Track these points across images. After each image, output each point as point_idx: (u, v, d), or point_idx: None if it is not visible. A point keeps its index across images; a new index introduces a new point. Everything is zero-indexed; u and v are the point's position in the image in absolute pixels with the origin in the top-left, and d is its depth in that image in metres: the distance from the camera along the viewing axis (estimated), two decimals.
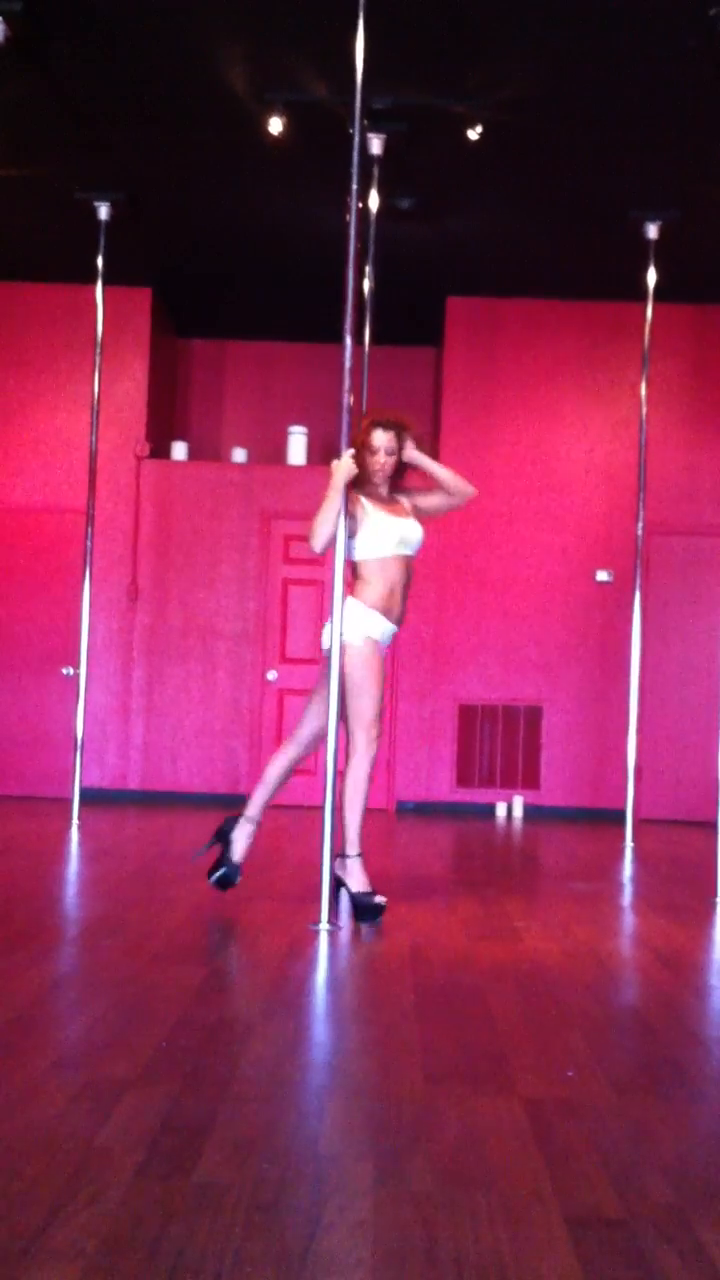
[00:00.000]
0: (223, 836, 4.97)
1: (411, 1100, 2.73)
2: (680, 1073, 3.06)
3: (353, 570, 4.99)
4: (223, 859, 4.92)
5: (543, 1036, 3.31)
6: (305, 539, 5.00)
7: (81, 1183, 2.19)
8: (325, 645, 4.89)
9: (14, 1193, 2.14)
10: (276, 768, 5.00)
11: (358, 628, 4.89)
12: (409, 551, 5.02)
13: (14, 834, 7.38)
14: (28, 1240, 1.96)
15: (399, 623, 5.01)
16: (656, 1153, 2.47)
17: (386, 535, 4.96)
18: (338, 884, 4.83)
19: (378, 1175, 2.27)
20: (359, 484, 4.96)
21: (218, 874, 4.87)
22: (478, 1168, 2.35)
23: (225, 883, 4.87)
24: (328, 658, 4.83)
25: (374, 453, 4.96)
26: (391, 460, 5.00)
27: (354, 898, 4.80)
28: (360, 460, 4.92)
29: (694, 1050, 3.28)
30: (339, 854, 4.84)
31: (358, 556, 4.95)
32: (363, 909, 4.78)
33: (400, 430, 5.00)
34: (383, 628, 4.94)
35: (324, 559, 9.05)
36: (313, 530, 4.79)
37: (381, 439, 4.96)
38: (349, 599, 4.92)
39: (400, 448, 5.00)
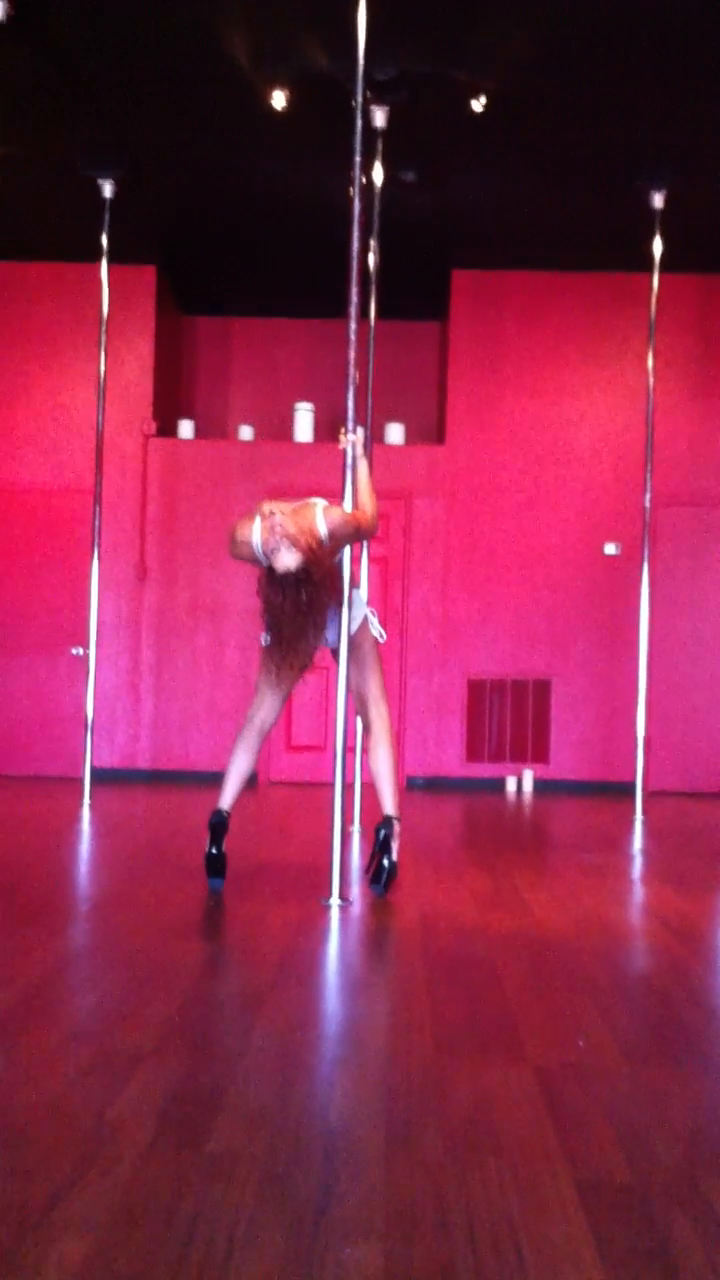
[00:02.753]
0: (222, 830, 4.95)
1: (422, 1069, 2.75)
2: (690, 1039, 3.07)
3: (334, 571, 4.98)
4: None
5: (552, 1005, 3.32)
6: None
7: (94, 1154, 2.21)
8: (377, 630, 5.04)
9: (27, 1164, 2.16)
10: (243, 760, 4.98)
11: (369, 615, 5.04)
12: None
13: (26, 813, 7.40)
14: (41, 1211, 1.97)
15: None
16: (667, 1118, 2.48)
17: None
18: (384, 846, 4.80)
19: (389, 1143, 2.29)
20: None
21: (213, 872, 4.87)
22: (488, 1135, 2.36)
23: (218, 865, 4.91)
24: (352, 644, 4.91)
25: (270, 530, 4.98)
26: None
27: (392, 867, 4.79)
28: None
29: (704, 1017, 3.29)
30: (390, 817, 4.84)
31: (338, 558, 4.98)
32: (388, 877, 4.78)
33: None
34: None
35: None
36: (372, 510, 4.89)
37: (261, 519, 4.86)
38: (355, 590, 4.98)
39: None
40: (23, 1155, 2.20)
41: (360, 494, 4.85)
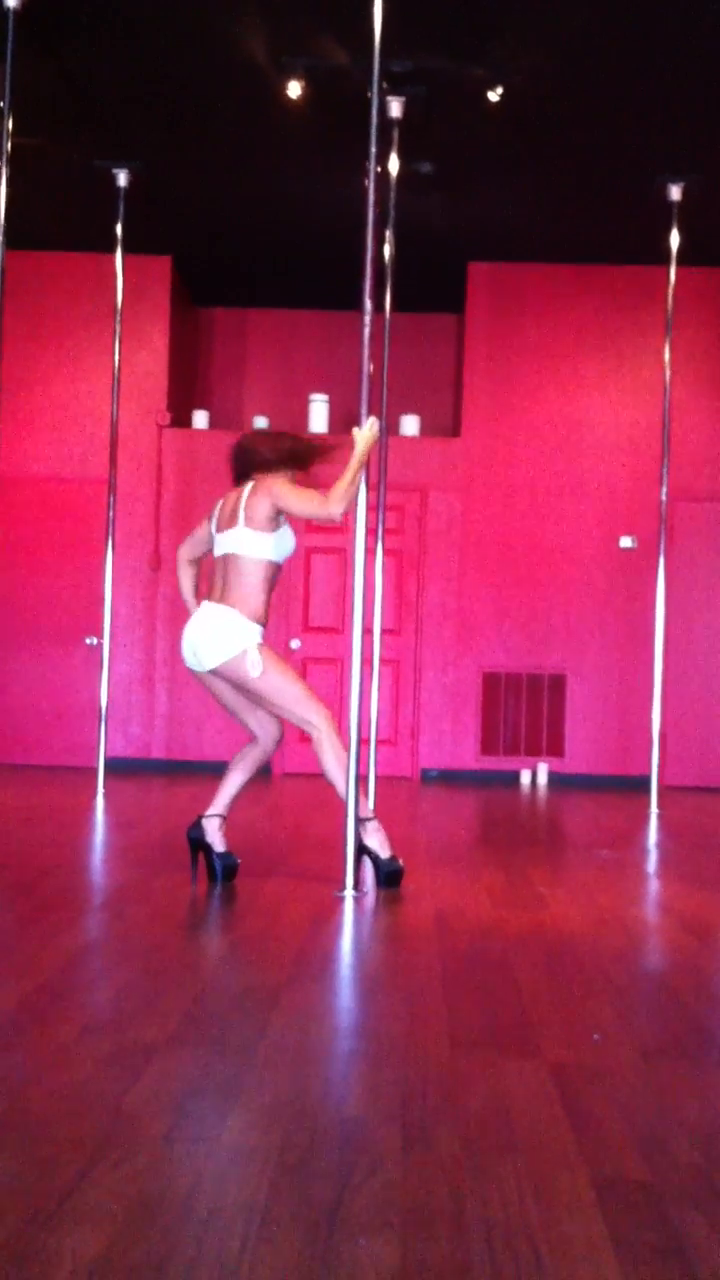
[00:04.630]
0: (199, 844, 4.91)
1: (438, 1065, 2.74)
2: (707, 1038, 3.06)
3: (235, 570, 4.69)
4: (213, 859, 4.87)
5: (568, 1003, 3.32)
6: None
7: (110, 1146, 2.21)
8: (214, 664, 4.65)
9: (44, 1156, 2.16)
10: (243, 775, 4.88)
11: (248, 640, 4.64)
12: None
13: (40, 803, 7.41)
14: (57, 1202, 1.97)
15: None
16: (683, 1117, 2.47)
17: (288, 540, 4.80)
18: (362, 851, 4.82)
19: (405, 1139, 2.28)
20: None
21: (221, 870, 4.84)
22: (504, 1132, 2.35)
23: (232, 871, 4.84)
24: (223, 672, 4.65)
25: (296, 479, 4.81)
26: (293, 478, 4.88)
27: (376, 862, 4.79)
28: (297, 475, 4.81)
29: None
30: (360, 820, 4.83)
31: (264, 558, 4.69)
32: (385, 874, 4.78)
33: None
34: (260, 631, 4.71)
35: (345, 528, 9.09)
36: (337, 496, 4.55)
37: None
38: (221, 608, 4.66)
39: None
40: (39, 1146, 2.20)
41: (340, 482, 4.61)
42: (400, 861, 4.87)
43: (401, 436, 9.41)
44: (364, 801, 4.85)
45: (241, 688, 4.69)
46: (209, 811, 4.86)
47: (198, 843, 4.85)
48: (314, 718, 4.68)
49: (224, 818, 4.87)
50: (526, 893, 4.85)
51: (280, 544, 4.74)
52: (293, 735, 9.22)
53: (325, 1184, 2.08)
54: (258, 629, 4.67)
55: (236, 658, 4.62)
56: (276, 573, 4.76)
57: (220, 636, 4.63)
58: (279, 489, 4.65)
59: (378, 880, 4.81)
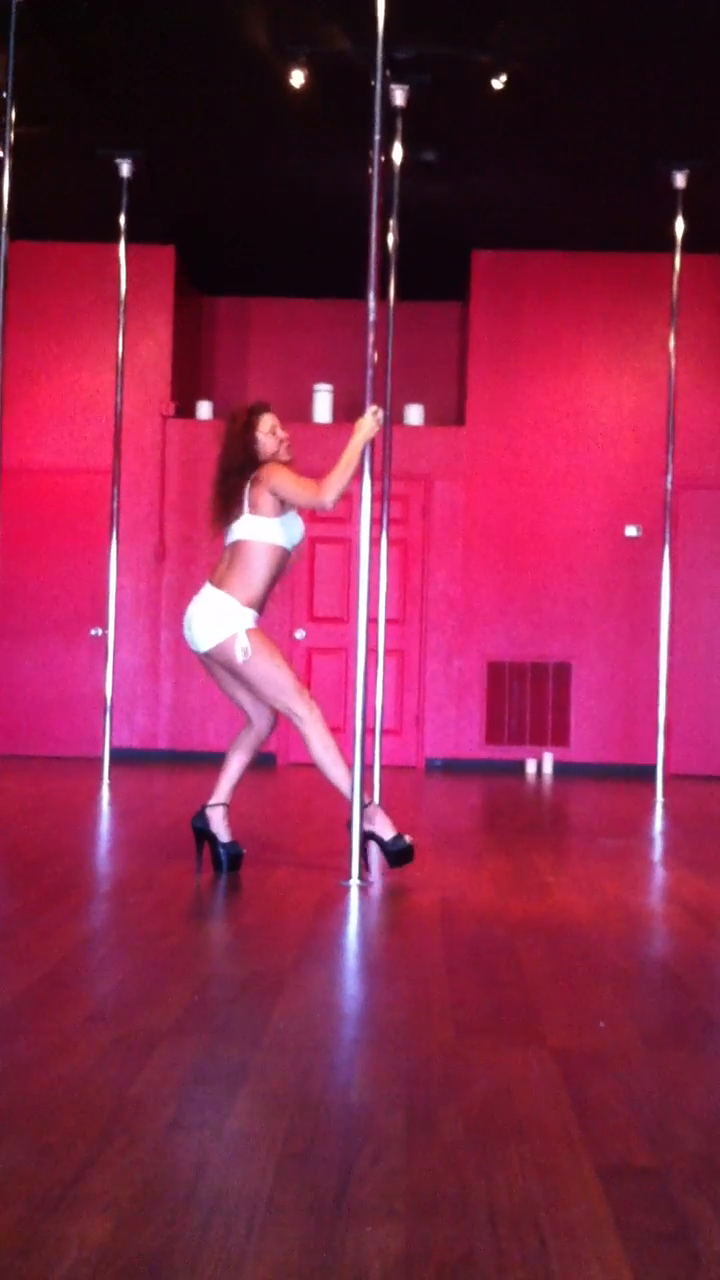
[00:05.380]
0: (204, 834, 4.91)
1: (442, 1052, 2.74)
2: (711, 1024, 3.06)
3: (240, 555, 4.71)
4: (218, 849, 4.87)
5: (573, 989, 3.32)
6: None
7: (115, 1134, 2.21)
8: (207, 646, 4.69)
9: (49, 1144, 2.16)
10: (240, 762, 4.89)
11: (238, 624, 4.66)
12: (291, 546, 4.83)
13: (46, 793, 7.42)
14: (62, 1190, 1.97)
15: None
16: (687, 1103, 2.47)
17: (296, 526, 4.81)
18: (368, 838, 4.82)
19: (409, 1126, 2.28)
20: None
21: (227, 861, 4.84)
22: (509, 1118, 2.36)
23: (237, 860, 4.84)
24: (213, 655, 4.69)
25: (272, 433, 4.77)
26: (286, 436, 4.88)
27: (383, 845, 4.78)
28: (262, 447, 4.76)
29: None
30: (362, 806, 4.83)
31: (262, 540, 4.70)
32: (392, 855, 4.77)
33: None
34: (253, 617, 4.72)
35: (349, 518, 9.09)
36: (329, 484, 4.58)
37: (271, 420, 4.78)
38: (218, 593, 4.69)
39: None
40: (44, 1133, 2.20)
41: (333, 471, 4.64)
42: (408, 839, 4.81)
43: (406, 426, 9.40)
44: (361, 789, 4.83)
45: (233, 671, 4.71)
46: (212, 801, 4.87)
47: (202, 833, 4.85)
48: (299, 708, 4.68)
49: (227, 806, 4.87)
50: (531, 880, 4.85)
51: (289, 529, 4.75)
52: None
53: (330, 1171, 2.08)
54: (250, 614, 4.69)
55: (227, 641, 4.65)
56: (284, 559, 4.75)
57: (213, 619, 4.67)
58: (276, 478, 4.67)
59: (387, 862, 4.79)
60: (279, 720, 4.90)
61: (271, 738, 5.10)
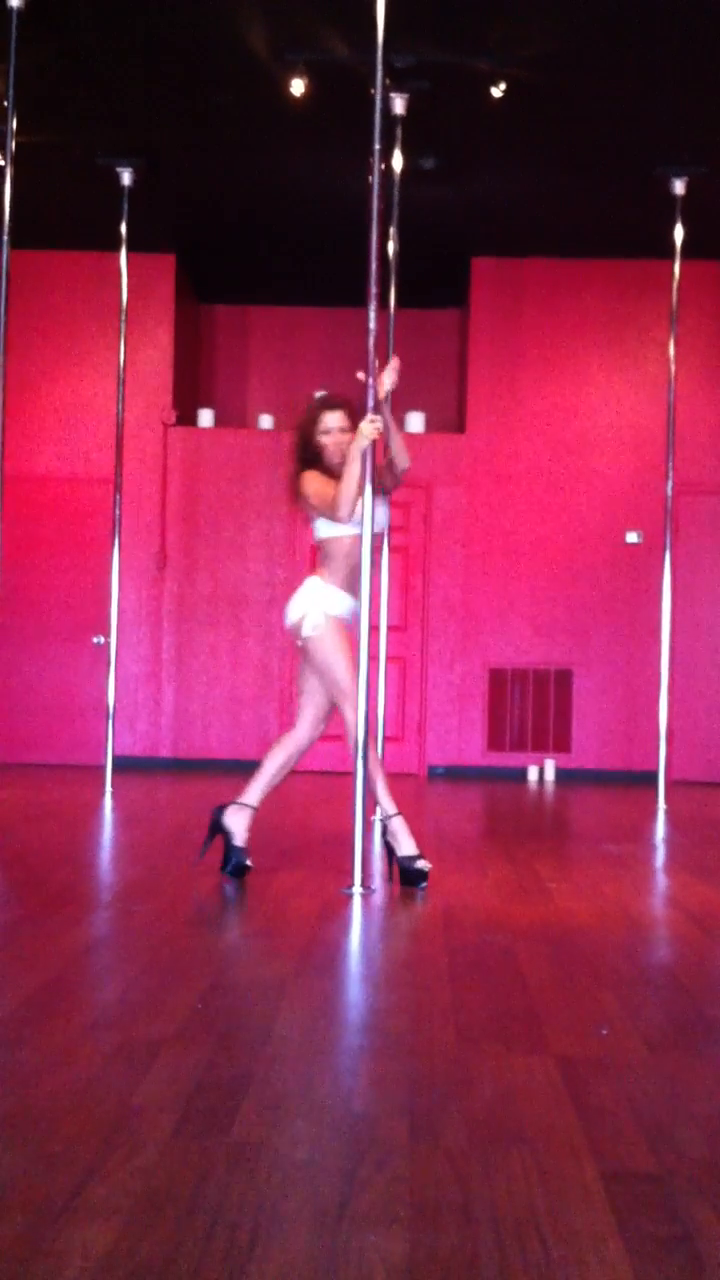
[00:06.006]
0: (219, 827, 4.91)
1: (445, 1059, 2.74)
2: (713, 1030, 3.06)
3: (322, 549, 4.97)
4: (229, 849, 4.87)
5: (575, 995, 3.32)
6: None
7: (118, 1141, 2.21)
8: (290, 622, 4.91)
9: (52, 1151, 2.16)
10: (275, 763, 4.92)
11: (319, 605, 4.83)
12: (377, 530, 4.93)
13: (48, 801, 7.43)
14: (65, 1198, 1.97)
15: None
16: (690, 1108, 2.47)
17: (382, 515, 4.95)
18: (390, 850, 4.84)
19: (413, 1133, 2.28)
20: (316, 464, 4.92)
21: (231, 865, 4.84)
22: (512, 1125, 2.36)
23: (241, 870, 4.84)
24: (294, 634, 4.88)
25: (328, 433, 4.90)
26: (346, 438, 4.90)
27: (400, 861, 4.78)
28: (316, 444, 4.89)
29: None
30: (384, 818, 4.83)
31: (323, 535, 4.91)
32: (407, 874, 4.77)
33: (349, 408, 4.95)
34: (346, 604, 4.87)
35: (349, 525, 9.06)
36: (339, 500, 4.69)
37: (334, 420, 4.90)
38: (311, 578, 4.93)
39: (352, 425, 4.89)
40: (47, 1142, 2.20)
41: (340, 485, 4.73)
42: (426, 864, 4.79)
43: (406, 433, 9.40)
44: (387, 800, 4.83)
45: (306, 655, 4.87)
46: (242, 800, 4.87)
47: (218, 825, 4.86)
48: (348, 711, 4.80)
49: (254, 810, 4.88)
50: (534, 887, 4.85)
51: (320, 522, 4.90)
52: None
53: (333, 1178, 2.08)
54: (334, 594, 4.84)
55: (302, 619, 4.83)
56: (355, 545, 4.84)
57: (298, 598, 4.90)
58: (306, 487, 4.86)
59: (400, 878, 4.79)
60: (306, 740, 4.95)
61: (268, 743, 5.11)
